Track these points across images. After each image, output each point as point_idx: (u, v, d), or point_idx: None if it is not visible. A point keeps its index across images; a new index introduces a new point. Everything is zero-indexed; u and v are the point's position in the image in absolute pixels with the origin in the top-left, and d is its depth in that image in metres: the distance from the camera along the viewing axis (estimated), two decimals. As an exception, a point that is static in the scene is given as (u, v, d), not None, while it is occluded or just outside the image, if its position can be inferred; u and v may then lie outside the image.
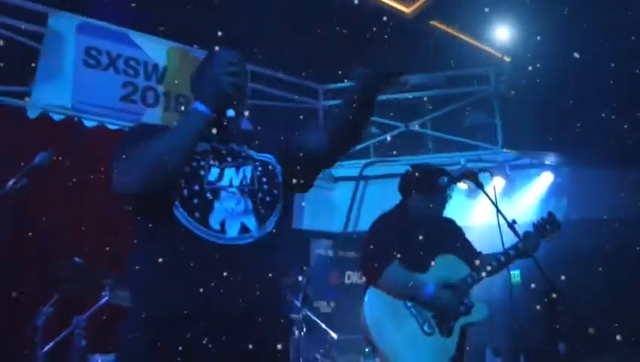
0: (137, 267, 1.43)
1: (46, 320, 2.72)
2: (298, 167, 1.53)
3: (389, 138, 5.58)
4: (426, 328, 2.37)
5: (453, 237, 2.65)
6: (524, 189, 4.92)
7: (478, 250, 2.68)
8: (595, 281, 4.32)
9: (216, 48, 1.54)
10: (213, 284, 1.32)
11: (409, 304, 2.42)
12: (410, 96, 5.51)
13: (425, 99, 5.62)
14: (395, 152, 5.66)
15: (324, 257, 5.20)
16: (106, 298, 2.74)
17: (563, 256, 4.41)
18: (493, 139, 5.12)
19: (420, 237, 2.41)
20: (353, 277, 5.15)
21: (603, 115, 3.62)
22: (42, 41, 3.90)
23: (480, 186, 2.39)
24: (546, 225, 2.60)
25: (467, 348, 2.51)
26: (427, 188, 2.57)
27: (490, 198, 2.21)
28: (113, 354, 2.74)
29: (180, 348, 1.30)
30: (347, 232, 5.55)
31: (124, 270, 2.76)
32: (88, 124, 3.92)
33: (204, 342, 1.31)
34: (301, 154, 1.53)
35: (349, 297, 4.73)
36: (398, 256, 2.38)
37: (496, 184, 4.73)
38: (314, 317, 3.60)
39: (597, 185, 4.46)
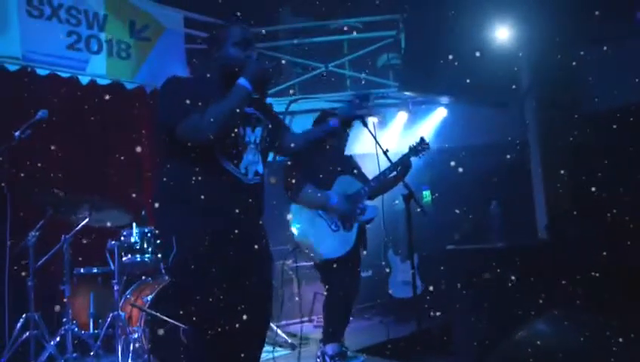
0: (182, 196, 1.97)
1: (36, 241, 3.33)
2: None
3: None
4: (333, 227, 3.30)
5: (349, 166, 3.54)
6: (423, 121, 5.87)
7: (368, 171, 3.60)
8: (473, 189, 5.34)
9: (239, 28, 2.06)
10: (243, 206, 2.01)
11: (320, 212, 3.31)
12: (330, 39, 6.15)
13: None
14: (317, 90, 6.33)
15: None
16: (87, 219, 3.38)
17: (452, 174, 5.45)
18: (403, 78, 5.92)
19: (325, 164, 3.29)
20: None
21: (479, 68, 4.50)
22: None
23: (365, 125, 3.19)
24: (418, 147, 3.50)
25: (367, 238, 3.48)
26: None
27: (371, 133, 3.00)
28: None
29: (222, 251, 1.94)
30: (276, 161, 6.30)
31: (102, 195, 3.42)
32: (41, 72, 4.27)
33: (237, 247, 1.99)
34: (276, 144, 2.22)
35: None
36: (310, 178, 3.25)
37: (399, 119, 5.63)
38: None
39: (480, 118, 5.43)
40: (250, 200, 2.04)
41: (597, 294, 3.02)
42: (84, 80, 4.50)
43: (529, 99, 5.07)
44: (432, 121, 5.86)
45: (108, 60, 4.76)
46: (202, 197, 1.93)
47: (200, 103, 1.90)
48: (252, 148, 2.07)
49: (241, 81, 1.93)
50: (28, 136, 2.74)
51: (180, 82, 2.07)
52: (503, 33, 4.60)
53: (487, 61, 4.76)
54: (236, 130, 2.03)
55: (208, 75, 2.13)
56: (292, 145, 2.26)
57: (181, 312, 2.02)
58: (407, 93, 5.37)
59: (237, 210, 1.99)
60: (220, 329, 1.91)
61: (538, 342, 2.51)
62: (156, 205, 2.04)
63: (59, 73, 4.35)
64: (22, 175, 3.48)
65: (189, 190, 1.95)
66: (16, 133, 2.71)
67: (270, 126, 2.20)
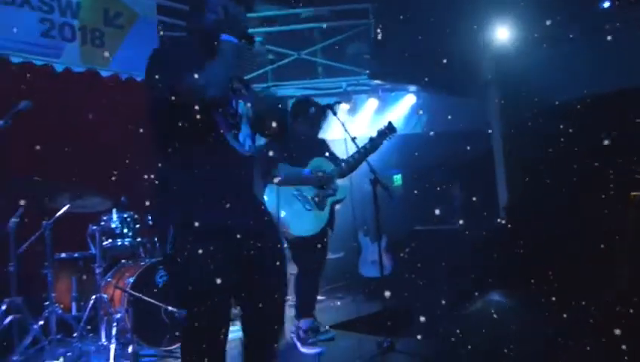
0: (191, 181, 1.93)
1: (17, 227, 3.42)
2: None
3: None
4: (307, 206, 3.50)
5: (322, 149, 3.75)
6: (392, 108, 6.10)
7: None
8: (439, 174, 5.62)
9: None
10: (246, 181, 2.07)
11: (295, 192, 3.50)
12: (302, 27, 6.29)
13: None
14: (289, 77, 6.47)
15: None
16: (68, 206, 3.48)
17: (420, 159, 5.70)
18: (373, 66, 6.10)
19: (299, 149, 3.49)
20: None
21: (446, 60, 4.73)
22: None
23: (335, 114, 3.38)
24: (385, 130, 3.72)
25: (336, 220, 3.71)
26: (302, 115, 3.60)
27: (340, 121, 3.17)
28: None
29: (232, 226, 1.91)
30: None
31: (82, 181, 3.51)
32: (15, 60, 4.30)
33: (240, 211, 1.96)
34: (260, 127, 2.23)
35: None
36: (285, 160, 3.45)
37: (369, 105, 5.81)
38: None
39: (447, 106, 5.68)
40: (248, 170, 2.09)
41: (542, 276, 3.30)
42: (59, 67, 4.53)
43: (492, 89, 5.34)
44: (402, 108, 6.09)
45: (82, 48, 4.80)
46: (208, 175, 1.93)
47: (192, 66, 1.86)
48: (245, 120, 2.11)
49: (224, 37, 1.95)
50: (9, 126, 2.82)
51: (166, 51, 2.07)
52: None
53: (455, 51, 4.99)
54: (230, 101, 2.04)
55: (190, 43, 2.11)
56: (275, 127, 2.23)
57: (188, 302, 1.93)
58: (376, 81, 5.55)
59: (240, 182, 2.04)
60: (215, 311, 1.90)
61: (487, 315, 2.78)
62: (159, 186, 1.99)
63: (33, 61, 4.37)
64: (2, 163, 3.53)
65: (193, 171, 1.94)
66: (1, 122, 2.79)
67: (253, 100, 2.22)
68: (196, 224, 1.88)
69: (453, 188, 5.81)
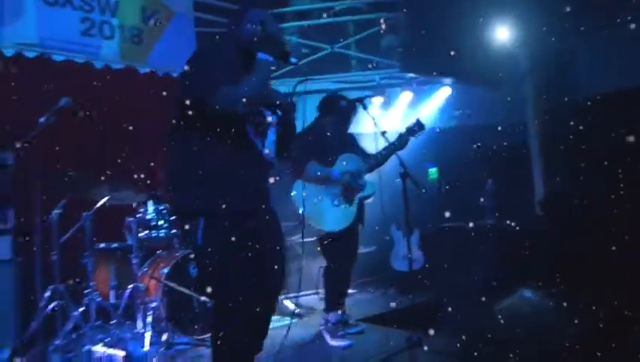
0: (216, 174, 2.08)
1: (59, 218, 3.59)
2: None
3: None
4: (335, 202, 3.52)
5: (351, 144, 3.75)
6: (426, 101, 6.02)
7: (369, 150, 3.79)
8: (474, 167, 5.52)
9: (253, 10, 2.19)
10: (264, 182, 2.22)
11: (323, 187, 3.52)
12: (335, 20, 6.27)
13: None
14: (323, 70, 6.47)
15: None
16: (107, 198, 3.62)
17: (455, 153, 5.63)
18: (405, 59, 6.05)
19: (328, 144, 3.49)
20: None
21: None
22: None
23: (364, 107, 3.37)
24: (414, 127, 3.69)
25: (366, 215, 3.70)
26: (332, 110, 3.60)
27: (370, 116, 3.17)
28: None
29: (248, 217, 2.12)
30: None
31: (121, 175, 3.64)
32: (57, 58, 4.48)
33: (260, 218, 2.19)
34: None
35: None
36: (314, 157, 3.46)
37: (403, 98, 5.76)
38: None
39: (482, 98, 5.56)
40: (267, 176, 2.26)
41: (578, 273, 3.21)
42: (99, 65, 4.69)
43: (528, 81, 5.20)
44: (436, 101, 6.00)
45: (120, 45, 4.96)
46: (230, 169, 2.07)
47: (227, 79, 1.99)
48: (272, 130, 2.26)
49: (262, 55, 2.05)
50: (52, 122, 2.96)
51: (206, 59, 2.16)
52: (502, 32, 4.70)
53: (489, 43, 4.88)
54: (261, 110, 2.20)
55: (228, 53, 2.22)
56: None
57: (213, 288, 2.11)
58: (409, 74, 5.50)
59: (262, 185, 2.19)
60: (244, 297, 2.06)
61: (519, 312, 2.72)
62: (178, 180, 2.14)
63: (74, 59, 4.54)
64: (45, 158, 3.69)
65: (219, 166, 2.07)
66: (41, 120, 2.93)
67: (282, 113, 2.33)
68: (223, 219, 2.03)
69: (488, 181, 5.71)
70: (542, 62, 4.78)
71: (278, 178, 2.39)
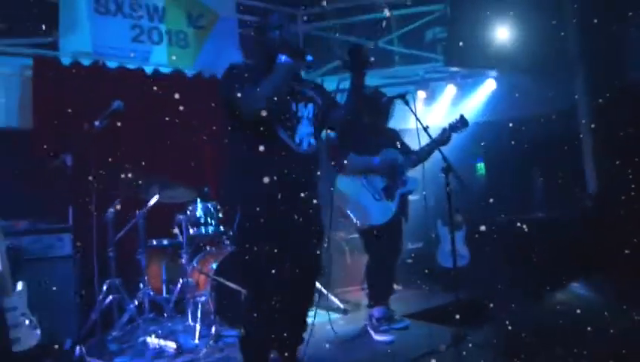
0: (248, 167, 2.25)
1: (114, 216, 3.78)
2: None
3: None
4: (376, 196, 3.52)
5: (393, 139, 3.73)
6: (471, 94, 5.90)
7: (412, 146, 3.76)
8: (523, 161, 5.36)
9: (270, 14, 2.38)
10: (297, 173, 2.28)
11: (364, 182, 3.53)
12: (377, 16, 6.25)
13: (388, 17, 6.31)
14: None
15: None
16: (157, 196, 3.79)
17: (502, 146, 5.50)
18: (449, 52, 5.94)
19: (369, 140, 3.50)
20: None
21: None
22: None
23: (407, 103, 3.34)
24: (457, 124, 3.64)
25: (410, 210, 3.69)
26: (373, 107, 3.61)
27: (412, 111, 3.15)
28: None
29: (280, 208, 2.22)
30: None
31: (171, 175, 3.78)
32: (110, 65, 4.71)
33: (292, 204, 2.26)
34: (328, 123, 2.49)
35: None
36: (354, 152, 3.48)
37: (447, 92, 5.67)
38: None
39: (528, 91, 5.39)
40: (304, 167, 2.33)
41: (631, 268, 3.08)
42: (149, 70, 4.89)
43: (577, 69, 5.00)
44: (481, 94, 5.88)
45: (169, 50, 5.15)
46: (261, 164, 2.21)
47: (252, 81, 2.20)
48: (305, 122, 2.35)
49: (280, 57, 2.22)
50: (106, 125, 3.13)
51: (236, 67, 2.37)
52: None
53: (534, 32, 4.74)
54: (290, 105, 2.31)
55: (256, 60, 2.46)
56: (337, 116, 2.50)
57: (243, 273, 2.32)
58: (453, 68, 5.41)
59: (292, 176, 2.26)
60: (273, 287, 2.19)
61: (568, 309, 2.64)
62: (225, 175, 2.38)
63: (126, 65, 4.76)
64: (100, 159, 3.89)
65: (250, 159, 2.24)
66: (97, 123, 3.10)
67: (321, 103, 2.46)
68: (255, 210, 2.18)
69: (538, 175, 5.55)
70: (593, 47, 4.58)
71: (318, 171, 2.44)
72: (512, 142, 5.46)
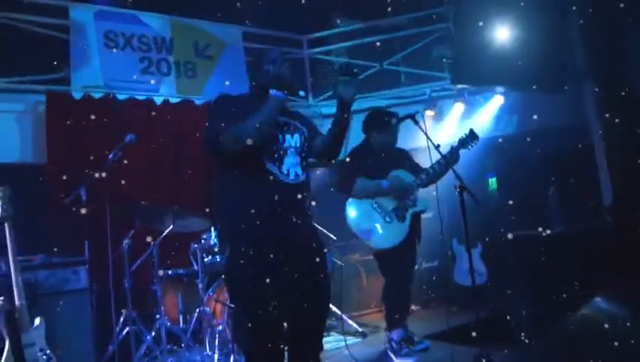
0: (236, 201, 2.24)
1: (129, 247, 3.79)
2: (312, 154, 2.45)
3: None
4: (387, 219, 3.51)
5: (402, 160, 3.73)
6: (480, 111, 5.90)
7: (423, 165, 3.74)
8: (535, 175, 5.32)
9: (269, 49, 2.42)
10: (286, 204, 2.24)
11: (374, 205, 3.52)
12: (382, 38, 6.31)
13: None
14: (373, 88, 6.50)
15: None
16: (171, 226, 3.79)
17: (513, 161, 5.47)
18: (455, 70, 5.96)
19: (378, 162, 3.50)
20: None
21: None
22: (68, 31, 4.69)
23: (416, 123, 3.34)
24: (467, 139, 3.62)
25: (422, 232, 3.66)
26: (380, 127, 3.61)
27: (422, 131, 3.16)
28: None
29: (270, 240, 2.18)
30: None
31: (184, 204, 3.78)
32: (121, 97, 4.78)
33: (283, 234, 2.21)
34: (312, 151, 2.44)
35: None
36: (363, 176, 3.49)
37: (455, 110, 5.68)
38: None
39: (536, 105, 5.38)
40: (292, 197, 2.29)
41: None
42: (158, 100, 4.96)
43: (587, 81, 4.99)
44: (489, 110, 5.87)
45: (177, 80, 5.23)
46: (250, 197, 2.21)
47: (241, 116, 2.20)
48: (292, 152, 2.33)
49: (271, 91, 2.25)
50: (118, 158, 3.16)
51: (225, 99, 2.37)
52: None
53: (539, 45, 4.74)
54: (277, 136, 2.31)
55: (252, 92, 2.46)
56: (321, 144, 2.46)
57: (233, 307, 2.27)
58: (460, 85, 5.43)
59: (279, 208, 2.23)
60: (266, 322, 2.14)
61: (590, 325, 2.59)
62: (216, 211, 2.34)
63: (136, 96, 4.84)
64: (113, 191, 3.92)
65: (238, 193, 2.24)
66: (110, 156, 3.14)
67: (307, 133, 2.46)
68: (239, 239, 2.19)
69: (551, 189, 5.50)
70: (602, 58, 4.57)
71: (312, 202, 2.43)
72: (523, 156, 5.44)
